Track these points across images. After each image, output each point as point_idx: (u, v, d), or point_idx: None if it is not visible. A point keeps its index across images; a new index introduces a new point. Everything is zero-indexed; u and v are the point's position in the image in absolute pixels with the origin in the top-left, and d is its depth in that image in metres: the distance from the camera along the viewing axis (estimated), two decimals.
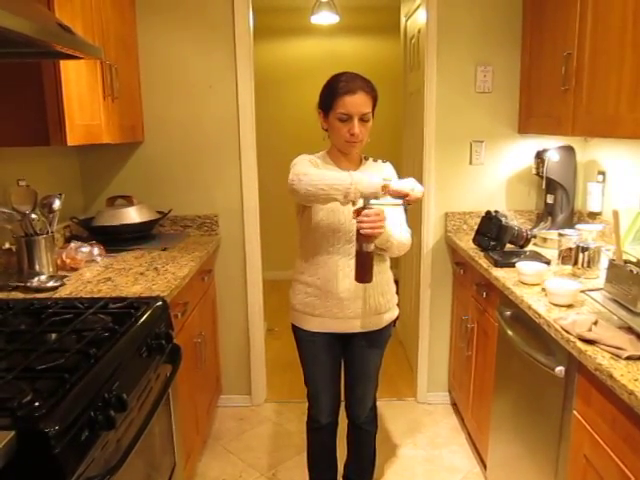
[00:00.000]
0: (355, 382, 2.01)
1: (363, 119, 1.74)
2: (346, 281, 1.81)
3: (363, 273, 1.66)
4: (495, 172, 2.84)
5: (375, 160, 1.93)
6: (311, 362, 1.98)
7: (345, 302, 1.83)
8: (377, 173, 1.86)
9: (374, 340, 1.94)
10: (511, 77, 2.72)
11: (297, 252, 1.95)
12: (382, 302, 1.89)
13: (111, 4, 2.32)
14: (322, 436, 2.10)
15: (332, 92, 1.75)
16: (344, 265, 1.81)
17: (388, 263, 1.94)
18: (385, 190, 1.58)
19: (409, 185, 1.61)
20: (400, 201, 1.60)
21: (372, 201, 1.60)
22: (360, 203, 1.61)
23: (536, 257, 2.19)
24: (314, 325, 1.90)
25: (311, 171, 1.70)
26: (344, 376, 2.04)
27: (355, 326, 1.88)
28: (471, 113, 2.77)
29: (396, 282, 2.06)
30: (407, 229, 1.87)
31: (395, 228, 1.78)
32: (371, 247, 1.63)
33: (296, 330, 1.97)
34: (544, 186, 2.63)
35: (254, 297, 2.97)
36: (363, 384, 2.01)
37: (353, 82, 1.73)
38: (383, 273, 1.89)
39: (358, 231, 1.60)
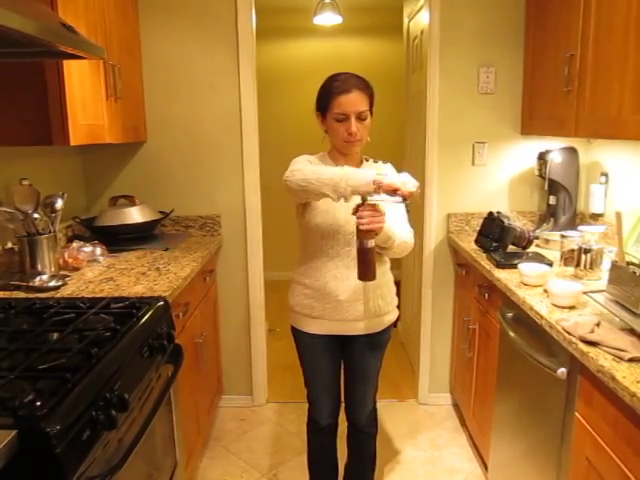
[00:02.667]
0: (355, 384, 2.01)
1: (360, 117, 1.74)
2: (345, 283, 1.81)
3: (365, 270, 1.64)
4: (498, 173, 2.84)
5: (376, 161, 1.93)
6: (310, 364, 1.98)
7: (344, 304, 1.83)
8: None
9: (374, 342, 1.93)
10: (514, 78, 2.72)
11: (297, 254, 1.95)
12: (382, 304, 1.88)
13: (114, 4, 2.32)
14: (322, 438, 2.10)
15: (328, 93, 1.75)
16: (343, 267, 1.81)
17: (388, 265, 1.93)
18: (376, 185, 1.54)
19: (401, 179, 1.57)
20: (398, 198, 1.55)
21: (369, 198, 1.59)
22: (358, 200, 1.60)
23: (538, 258, 2.19)
24: (313, 327, 1.90)
25: (306, 167, 1.69)
26: (344, 378, 2.04)
27: (354, 328, 1.88)
28: (474, 114, 2.77)
29: (398, 283, 2.06)
30: (409, 229, 1.87)
31: (397, 227, 1.78)
32: (372, 243, 1.61)
33: (295, 332, 1.96)
34: (546, 187, 2.62)
35: (255, 297, 2.98)
36: (363, 386, 2.00)
37: (347, 81, 1.73)
38: (383, 275, 1.88)
39: (358, 227, 1.59)
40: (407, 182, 1.56)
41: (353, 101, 1.71)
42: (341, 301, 1.82)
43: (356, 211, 1.60)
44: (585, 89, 2.00)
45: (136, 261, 2.29)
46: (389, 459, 2.55)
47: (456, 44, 2.71)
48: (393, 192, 1.54)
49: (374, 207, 1.58)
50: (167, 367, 1.66)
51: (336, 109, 1.72)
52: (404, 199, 1.56)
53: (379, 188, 1.54)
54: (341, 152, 1.84)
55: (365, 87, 1.75)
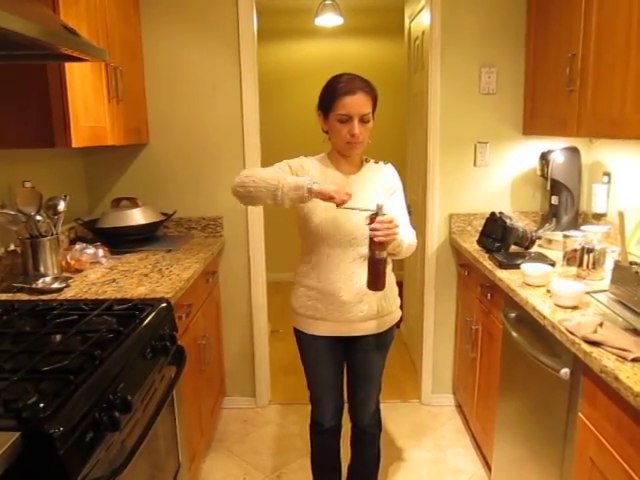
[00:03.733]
0: (358, 385, 2.01)
1: (363, 120, 1.74)
2: (348, 284, 1.81)
3: (376, 281, 1.65)
4: (500, 173, 2.84)
5: (376, 162, 1.93)
6: (313, 365, 1.98)
7: (347, 305, 1.83)
8: (377, 176, 1.87)
9: (376, 343, 1.93)
10: (515, 78, 2.72)
11: (298, 255, 1.95)
12: (384, 305, 1.88)
13: (116, 7, 2.33)
14: (325, 439, 2.10)
15: (332, 93, 1.74)
16: (345, 268, 1.81)
17: (390, 266, 1.93)
18: (309, 192, 1.57)
19: (333, 187, 1.59)
20: (369, 207, 1.59)
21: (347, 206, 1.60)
22: (366, 211, 1.61)
23: (541, 259, 2.18)
24: (316, 328, 1.90)
25: (251, 173, 1.70)
26: (347, 379, 2.03)
27: (358, 329, 1.88)
28: (475, 114, 2.77)
29: (400, 284, 2.06)
30: (411, 230, 1.87)
31: (402, 231, 1.77)
32: (384, 254, 1.61)
33: (298, 333, 1.96)
34: (549, 187, 2.62)
35: (258, 298, 2.98)
36: (366, 387, 2.00)
37: (352, 83, 1.73)
38: (386, 276, 1.88)
39: (371, 238, 1.59)
40: (340, 190, 1.58)
41: (357, 103, 1.71)
42: (344, 302, 1.82)
43: (371, 222, 1.59)
44: (587, 89, 2.00)
45: (139, 263, 2.29)
46: (393, 460, 2.55)
47: (457, 44, 2.70)
48: (328, 199, 1.58)
49: (389, 219, 1.58)
50: (170, 369, 1.67)
51: (340, 110, 1.72)
52: (337, 205, 1.59)
53: (311, 195, 1.58)
54: (342, 153, 1.84)
55: (370, 90, 1.75)
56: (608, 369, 1.27)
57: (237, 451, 2.66)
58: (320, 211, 1.78)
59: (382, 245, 1.60)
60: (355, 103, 1.71)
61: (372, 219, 1.58)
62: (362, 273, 1.78)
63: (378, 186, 1.85)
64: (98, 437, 1.13)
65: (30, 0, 1.51)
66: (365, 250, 1.75)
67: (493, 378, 2.24)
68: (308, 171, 1.82)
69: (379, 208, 1.58)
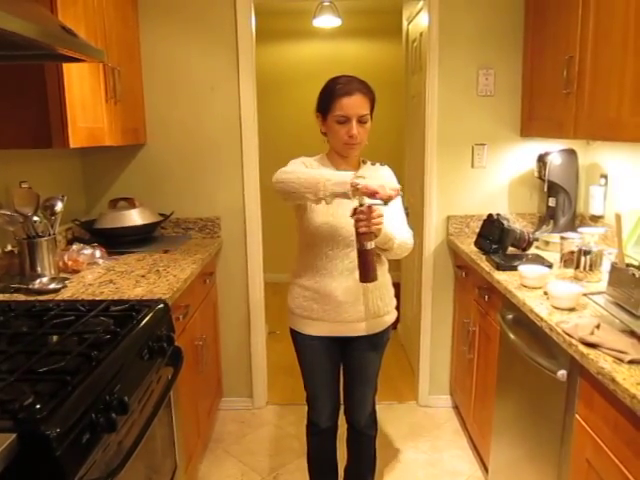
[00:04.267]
0: (354, 386, 2.01)
1: (361, 121, 1.74)
2: (344, 285, 1.81)
3: (366, 272, 1.64)
4: (497, 175, 2.84)
5: (373, 163, 1.93)
6: (310, 366, 1.98)
7: (343, 306, 1.83)
8: (376, 177, 1.87)
9: (373, 343, 1.93)
10: (513, 80, 2.72)
11: (295, 255, 1.95)
12: (380, 305, 1.88)
13: (114, 7, 2.33)
14: (322, 440, 2.10)
15: (330, 95, 1.75)
16: (342, 269, 1.81)
17: (386, 266, 1.93)
18: (353, 187, 1.55)
19: (378, 183, 1.57)
20: (378, 200, 1.56)
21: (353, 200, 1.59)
22: (355, 203, 1.60)
23: (538, 260, 2.19)
24: (312, 329, 1.90)
25: (293, 169, 1.70)
26: (343, 380, 2.03)
27: (354, 329, 1.88)
28: (473, 116, 2.77)
29: (397, 285, 2.06)
30: (408, 230, 1.87)
31: (396, 228, 1.78)
32: (371, 245, 1.61)
33: (294, 334, 1.96)
34: (546, 189, 2.62)
35: (255, 299, 2.97)
36: (362, 388, 2.00)
37: (350, 84, 1.74)
38: (381, 276, 1.88)
39: (357, 230, 1.60)
40: (385, 185, 1.56)
41: (355, 104, 1.72)
42: (340, 302, 1.82)
43: (354, 214, 1.60)
44: (584, 91, 2.01)
45: (136, 263, 2.29)
46: (389, 461, 2.55)
47: (455, 46, 2.71)
48: (371, 195, 1.55)
49: (371, 209, 1.58)
50: (167, 370, 1.66)
51: (338, 111, 1.73)
52: (384, 202, 1.56)
53: (356, 191, 1.55)
54: (340, 154, 1.84)
55: (367, 91, 1.76)
56: (605, 371, 1.27)
57: (234, 452, 2.66)
58: (321, 212, 1.78)
59: (368, 236, 1.59)
60: (353, 104, 1.72)
61: (354, 211, 1.59)
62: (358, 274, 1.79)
63: None
64: (95, 438, 1.13)
65: (28, 0, 1.51)
66: None
67: (490, 380, 2.24)
68: None
69: (360, 199, 1.57)
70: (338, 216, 1.77)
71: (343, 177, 1.58)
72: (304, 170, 1.69)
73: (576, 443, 1.46)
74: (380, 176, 1.88)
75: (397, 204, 1.89)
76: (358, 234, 1.60)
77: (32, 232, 1.98)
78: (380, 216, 1.60)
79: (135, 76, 2.66)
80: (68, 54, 1.56)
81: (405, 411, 3.02)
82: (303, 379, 2.02)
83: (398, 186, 1.60)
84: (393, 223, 1.78)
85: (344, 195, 1.57)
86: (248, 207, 2.87)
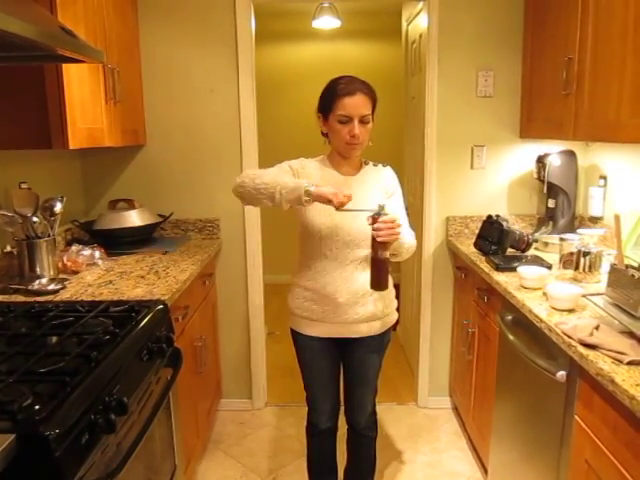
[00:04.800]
0: (354, 387, 2.01)
1: (363, 121, 1.74)
2: (345, 286, 1.81)
3: (379, 280, 1.65)
4: (496, 176, 2.85)
5: (375, 164, 1.93)
6: (309, 367, 1.98)
7: (343, 307, 1.83)
8: (376, 178, 1.87)
9: (373, 345, 1.93)
10: (512, 82, 2.72)
11: (296, 256, 1.95)
12: (380, 307, 1.88)
13: (113, 8, 2.33)
14: (321, 441, 2.10)
15: (332, 94, 1.76)
16: (343, 270, 1.81)
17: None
18: (307, 195, 1.58)
19: (331, 190, 1.59)
20: (371, 208, 1.60)
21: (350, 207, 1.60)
22: (366, 212, 1.61)
23: (537, 261, 2.19)
24: (312, 330, 1.90)
25: (253, 173, 1.72)
26: (343, 381, 2.03)
27: (354, 331, 1.88)
28: (472, 117, 2.77)
29: (397, 286, 2.06)
30: (411, 232, 1.87)
31: (403, 232, 1.78)
32: (387, 254, 1.62)
33: (295, 334, 1.96)
34: (545, 190, 2.63)
35: (255, 300, 2.97)
36: (362, 389, 2.00)
37: (352, 84, 1.74)
38: None
39: (374, 239, 1.60)
40: (338, 193, 1.58)
41: (357, 104, 1.72)
42: (340, 303, 1.82)
43: (373, 222, 1.60)
44: (583, 92, 2.01)
45: (135, 264, 2.29)
46: (389, 462, 2.55)
47: (455, 47, 2.71)
48: (326, 202, 1.58)
49: (392, 219, 1.59)
50: (166, 370, 1.66)
51: (340, 111, 1.73)
52: (336, 209, 1.59)
53: (310, 197, 1.58)
54: (341, 155, 1.84)
55: (369, 91, 1.76)
56: (604, 372, 1.27)
57: (233, 453, 2.65)
58: (323, 214, 1.78)
59: (385, 245, 1.60)
60: (355, 104, 1.72)
61: (374, 219, 1.59)
62: (359, 275, 1.79)
63: (377, 188, 1.85)
64: (94, 439, 1.13)
65: (28, 1, 1.51)
66: (363, 252, 1.76)
67: (489, 381, 2.24)
68: (309, 172, 1.83)
69: (381, 208, 1.59)
70: (338, 217, 1.77)
71: (297, 184, 1.61)
72: (261, 175, 1.70)
73: (575, 444, 1.46)
74: (381, 177, 1.88)
75: (399, 205, 1.90)
76: (375, 242, 1.60)
77: (31, 233, 1.98)
78: (399, 226, 1.61)
79: (135, 77, 2.66)
80: (68, 55, 1.56)
81: (405, 412, 3.02)
82: (303, 379, 2.02)
83: (350, 193, 1.61)
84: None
85: (299, 202, 1.60)
86: (247, 208, 2.86)
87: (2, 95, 1.87)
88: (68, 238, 2.57)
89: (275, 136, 4.73)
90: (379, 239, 1.58)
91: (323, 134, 1.85)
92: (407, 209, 1.98)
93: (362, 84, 1.76)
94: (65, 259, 2.14)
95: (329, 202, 1.58)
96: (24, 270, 1.99)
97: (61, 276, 2.06)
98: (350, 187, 1.77)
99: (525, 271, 1.94)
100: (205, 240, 2.87)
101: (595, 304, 1.71)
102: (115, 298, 1.82)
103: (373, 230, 1.59)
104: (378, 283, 1.66)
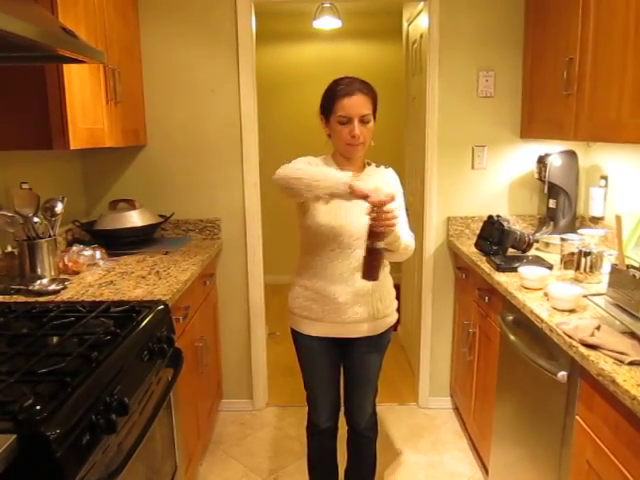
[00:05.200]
0: (354, 387, 2.01)
1: (363, 121, 1.74)
2: (344, 286, 1.81)
3: (371, 271, 1.65)
4: (497, 177, 2.84)
5: (378, 165, 1.93)
6: (310, 366, 1.98)
7: (343, 307, 1.83)
8: (379, 179, 1.87)
9: (373, 345, 1.93)
10: (513, 82, 2.72)
11: (297, 255, 1.95)
12: (380, 307, 1.88)
13: (114, 9, 2.33)
14: (322, 441, 2.10)
15: (331, 96, 1.76)
16: (343, 270, 1.81)
17: (388, 268, 1.93)
18: (349, 189, 1.56)
19: (373, 187, 1.57)
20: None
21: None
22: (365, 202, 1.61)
23: (538, 262, 2.19)
24: (312, 329, 1.90)
25: (295, 166, 1.70)
26: (343, 381, 2.03)
27: (354, 331, 1.88)
28: (473, 118, 2.77)
29: (398, 286, 2.06)
30: (410, 233, 1.87)
31: (400, 228, 1.78)
32: (381, 245, 1.62)
33: (295, 334, 1.96)
34: (546, 191, 2.63)
35: (256, 301, 2.97)
36: (362, 389, 2.00)
37: (351, 85, 1.75)
38: (383, 278, 1.88)
39: (370, 228, 1.60)
40: (380, 190, 1.57)
41: (356, 104, 1.72)
42: (340, 303, 1.82)
43: (371, 212, 1.60)
44: (584, 92, 2.01)
45: (136, 265, 2.29)
46: (389, 463, 2.55)
47: (455, 48, 2.71)
48: (363, 198, 1.56)
49: (388, 209, 1.59)
50: (167, 371, 1.66)
51: (339, 112, 1.74)
52: (374, 206, 1.57)
53: (352, 192, 1.56)
54: (344, 156, 1.85)
55: (368, 91, 1.76)
56: (605, 372, 1.27)
57: (234, 454, 2.65)
58: (324, 213, 1.78)
59: (380, 235, 1.60)
60: (354, 104, 1.72)
61: (372, 209, 1.59)
62: (359, 275, 1.78)
63: None
64: (95, 440, 1.13)
65: (28, 2, 1.51)
66: (364, 253, 1.75)
67: (490, 381, 2.24)
68: None
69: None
70: (340, 217, 1.78)
71: (342, 177, 1.58)
72: (306, 168, 1.69)
73: (576, 444, 1.46)
74: (383, 179, 1.88)
75: (401, 206, 1.90)
76: (371, 232, 1.60)
77: (32, 233, 1.98)
78: (396, 217, 1.61)
79: (135, 77, 2.66)
80: (68, 55, 1.56)
81: (405, 413, 3.02)
82: (303, 379, 2.02)
83: (393, 193, 1.60)
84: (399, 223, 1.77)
85: (341, 196, 1.58)
86: (248, 208, 2.87)
87: (3, 96, 1.87)
88: (69, 238, 2.57)
89: (276, 136, 4.73)
90: (374, 229, 1.58)
91: (328, 135, 1.85)
92: (407, 210, 1.98)
93: (362, 84, 1.76)
94: (66, 259, 2.14)
95: (365, 198, 1.55)
96: (25, 270, 1.99)
97: (62, 276, 2.06)
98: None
99: (526, 271, 1.94)
100: (206, 240, 2.87)
101: (596, 304, 1.70)
102: (116, 298, 1.82)
103: (370, 219, 1.59)
104: (369, 273, 1.65)
